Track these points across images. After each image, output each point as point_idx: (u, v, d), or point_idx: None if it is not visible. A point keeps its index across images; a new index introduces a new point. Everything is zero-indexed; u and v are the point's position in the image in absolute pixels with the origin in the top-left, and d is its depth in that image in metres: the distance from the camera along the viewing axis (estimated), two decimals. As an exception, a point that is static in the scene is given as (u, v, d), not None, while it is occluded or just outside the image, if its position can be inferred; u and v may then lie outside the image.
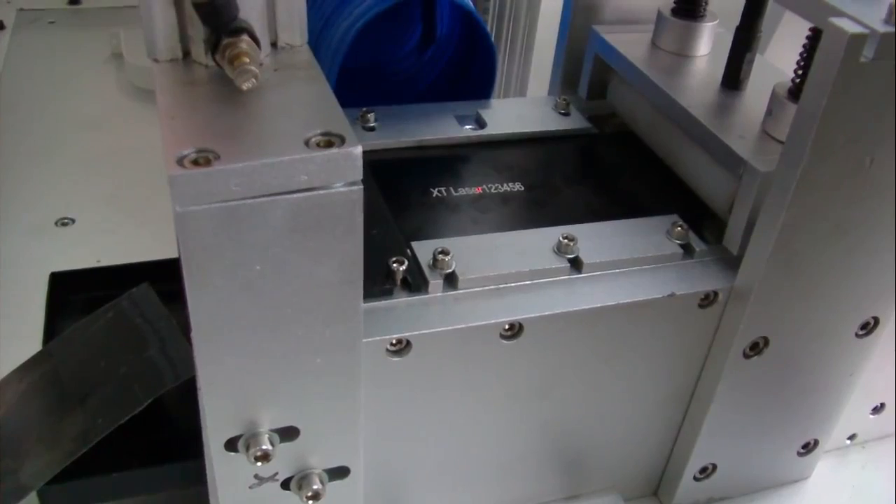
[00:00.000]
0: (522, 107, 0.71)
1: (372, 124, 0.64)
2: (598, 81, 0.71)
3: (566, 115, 0.69)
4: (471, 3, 0.71)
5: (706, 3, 0.65)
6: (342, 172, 0.38)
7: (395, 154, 0.63)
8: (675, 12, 0.65)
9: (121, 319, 0.58)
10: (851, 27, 0.42)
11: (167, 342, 0.56)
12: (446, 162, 0.63)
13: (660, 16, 0.66)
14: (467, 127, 0.66)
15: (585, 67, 0.71)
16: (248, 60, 0.40)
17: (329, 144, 0.38)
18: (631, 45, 0.67)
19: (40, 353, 0.59)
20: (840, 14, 0.44)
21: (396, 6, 0.65)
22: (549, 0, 0.94)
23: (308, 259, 0.40)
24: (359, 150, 0.38)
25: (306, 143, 0.38)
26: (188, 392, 0.48)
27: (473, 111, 0.68)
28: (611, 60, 0.68)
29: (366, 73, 0.78)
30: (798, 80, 0.54)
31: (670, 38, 0.66)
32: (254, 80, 0.40)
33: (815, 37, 0.53)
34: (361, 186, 0.39)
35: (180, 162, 0.36)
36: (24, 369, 0.58)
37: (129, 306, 0.59)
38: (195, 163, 0.37)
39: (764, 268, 0.50)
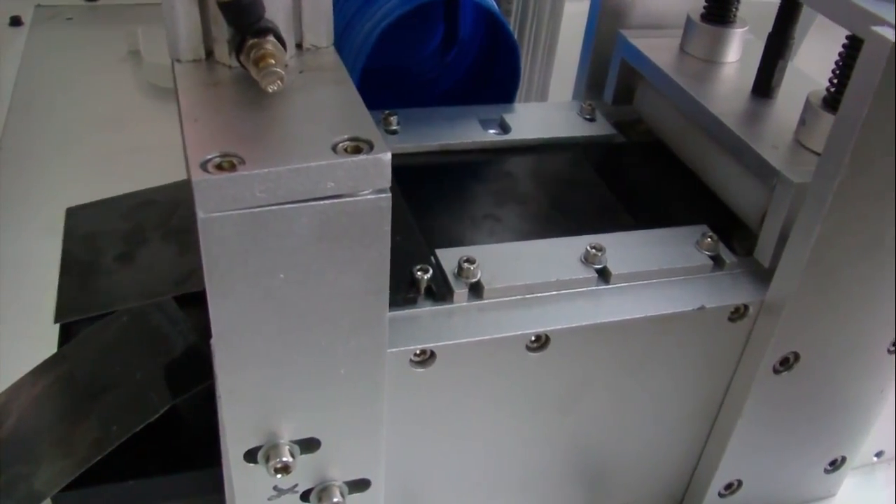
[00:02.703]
0: (547, 111, 0.69)
1: (394, 127, 0.63)
2: (624, 87, 0.70)
3: (591, 120, 0.68)
4: (495, 5, 0.70)
5: (736, 9, 0.64)
6: (370, 179, 0.37)
7: (418, 158, 0.62)
8: (705, 17, 0.64)
9: (137, 322, 0.57)
10: (894, 36, 0.41)
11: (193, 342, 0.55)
12: (470, 167, 0.62)
13: (689, 21, 0.65)
14: (491, 131, 0.65)
15: (612, 72, 0.70)
16: (273, 62, 0.39)
17: (357, 150, 0.37)
18: (659, 50, 0.65)
19: (55, 355, 0.58)
20: (882, 22, 0.43)
21: (419, 7, 0.64)
22: (573, 3, 0.93)
23: (333, 268, 0.39)
24: (388, 156, 0.37)
25: (333, 148, 0.37)
26: (205, 399, 0.47)
27: (497, 115, 0.67)
28: (638, 65, 0.66)
29: (387, 75, 0.77)
30: (833, 90, 0.53)
31: (699, 43, 0.64)
32: (279, 82, 0.39)
33: (852, 45, 0.52)
34: (390, 194, 0.38)
35: (204, 166, 0.35)
36: (38, 372, 0.57)
37: (147, 309, 0.58)
38: (219, 167, 0.36)
39: (797, 281, 0.49)
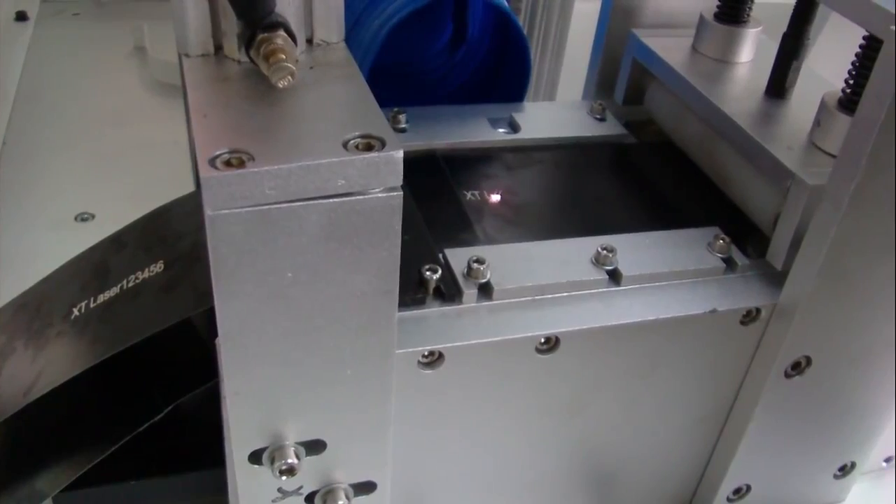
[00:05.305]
0: (557, 111, 0.69)
1: (403, 125, 0.62)
2: (635, 86, 0.69)
3: (602, 120, 0.67)
4: (505, 3, 0.69)
5: (750, 9, 0.63)
6: (382, 177, 0.36)
7: (427, 157, 0.61)
8: (718, 17, 0.63)
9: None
10: (916, 36, 0.40)
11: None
12: (479, 166, 0.61)
13: (702, 20, 0.64)
14: (500, 130, 0.64)
15: (622, 72, 0.69)
16: (284, 57, 0.38)
17: (369, 147, 0.36)
18: (671, 49, 0.65)
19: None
20: (901, 22, 0.42)
21: (428, 5, 0.64)
22: (582, 2, 0.92)
23: (343, 267, 0.38)
24: (400, 154, 0.36)
25: (345, 145, 0.36)
26: (208, 399, 0.47)
27: (507, 114, 0.66)
28: (650, 65, 0.66)
29: (395, 73, 0.76)
30: (849, 91, 0.52)
31: (712, 43, 0.64)
32: (290, 77, 0.38)
33: (869, 45, 0.51)
34: (401, 192, 0.37)
35: (213, 163, 0.35)
36: (41, 370, 0.56)
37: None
38: (228, 164, 0.35)
39: (810, 284, 0.48)
